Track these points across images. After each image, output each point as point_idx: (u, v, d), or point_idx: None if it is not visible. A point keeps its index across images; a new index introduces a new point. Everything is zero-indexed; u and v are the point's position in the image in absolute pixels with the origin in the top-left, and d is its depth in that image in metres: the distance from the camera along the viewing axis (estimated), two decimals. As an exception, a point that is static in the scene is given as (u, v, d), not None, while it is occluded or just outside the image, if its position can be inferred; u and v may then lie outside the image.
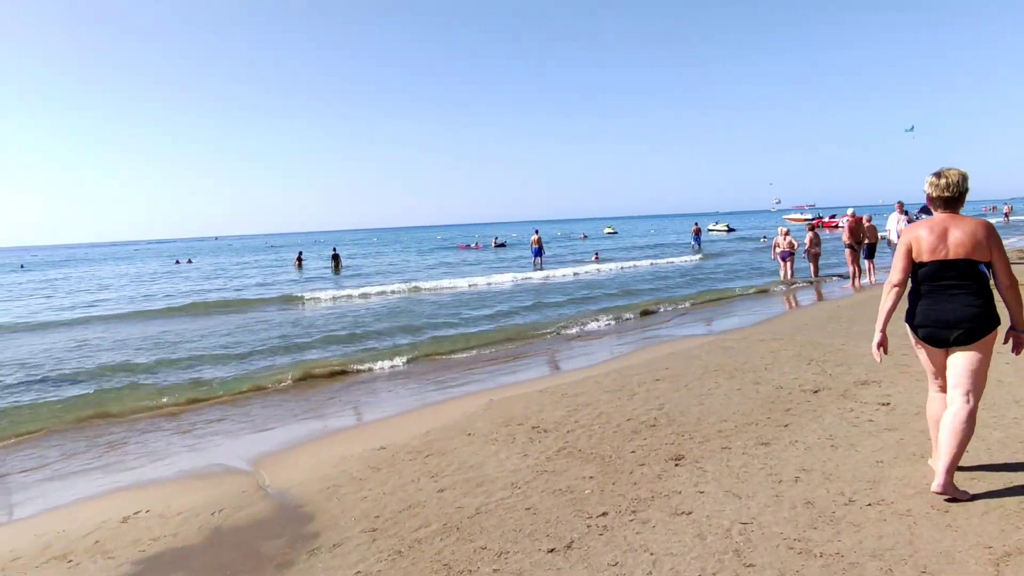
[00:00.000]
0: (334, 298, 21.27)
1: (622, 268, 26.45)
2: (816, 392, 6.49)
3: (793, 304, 14.93)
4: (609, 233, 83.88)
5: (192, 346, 13.08)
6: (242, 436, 7.04)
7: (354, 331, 13.90)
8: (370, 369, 10.06)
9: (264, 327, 15.41)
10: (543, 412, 6.49)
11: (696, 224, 44.43)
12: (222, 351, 12.26)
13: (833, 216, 66.93)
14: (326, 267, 39.89)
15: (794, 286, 18.50)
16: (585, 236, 76.44)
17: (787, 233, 20.97)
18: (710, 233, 73.54)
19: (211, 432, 7.28)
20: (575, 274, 23.56)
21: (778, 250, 21.09)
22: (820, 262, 20.78)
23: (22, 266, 67.24)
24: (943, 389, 3.96)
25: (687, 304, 15.68)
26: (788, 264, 21.05)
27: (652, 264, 30.74)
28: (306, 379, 9.53)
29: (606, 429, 5.77)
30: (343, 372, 9.89)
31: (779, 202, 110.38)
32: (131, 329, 16.38)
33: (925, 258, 3.78)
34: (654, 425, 5.80)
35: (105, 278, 40.42)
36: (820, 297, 15.81)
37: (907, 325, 3.98)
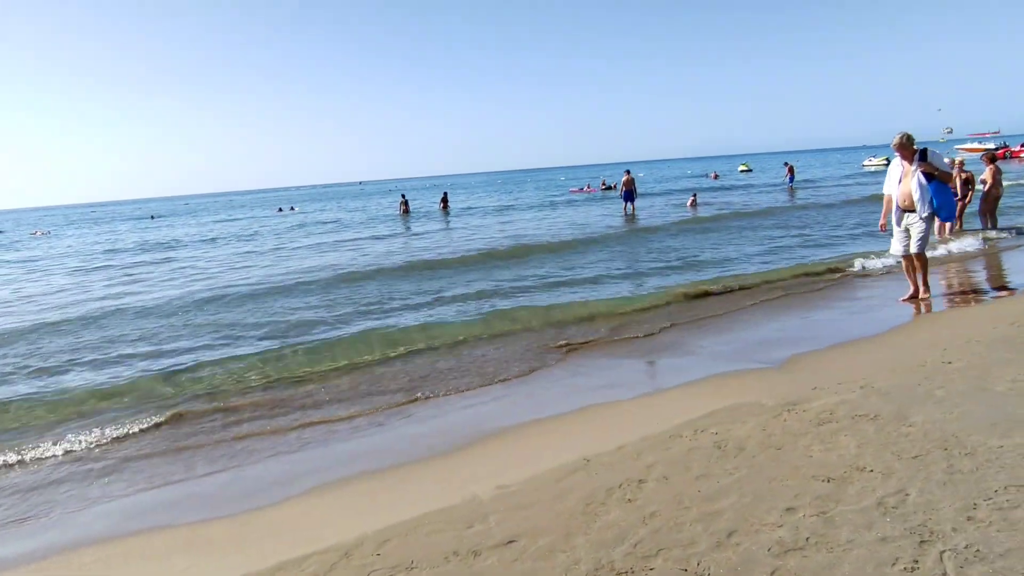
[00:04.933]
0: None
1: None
2: None
3: (970, 286, 8.98)
4: (744, 171, 74.83)
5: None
6: None
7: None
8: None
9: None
10: None
11: (788, 163, 43.01)
12: None
13: (1025, 144, 54.17)
14: (432, 209, 37.83)
15: (956, 245, 11.99)
16: (716, 175, 68.30)
17: (958, 164, 14.32)
18: (864, 168, 63.24)
19: None
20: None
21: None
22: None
23: (152, 217, 69.77)
24: None
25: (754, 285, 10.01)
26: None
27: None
28: None
29: None
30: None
31: (951, 131, 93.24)
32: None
33: None
34: None
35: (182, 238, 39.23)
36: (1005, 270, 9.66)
37: None
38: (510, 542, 3.03)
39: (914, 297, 7.81)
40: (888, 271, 10.14)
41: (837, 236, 15.37)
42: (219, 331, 9.32)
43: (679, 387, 5.35)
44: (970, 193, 14.30)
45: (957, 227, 14.39)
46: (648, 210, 28.12)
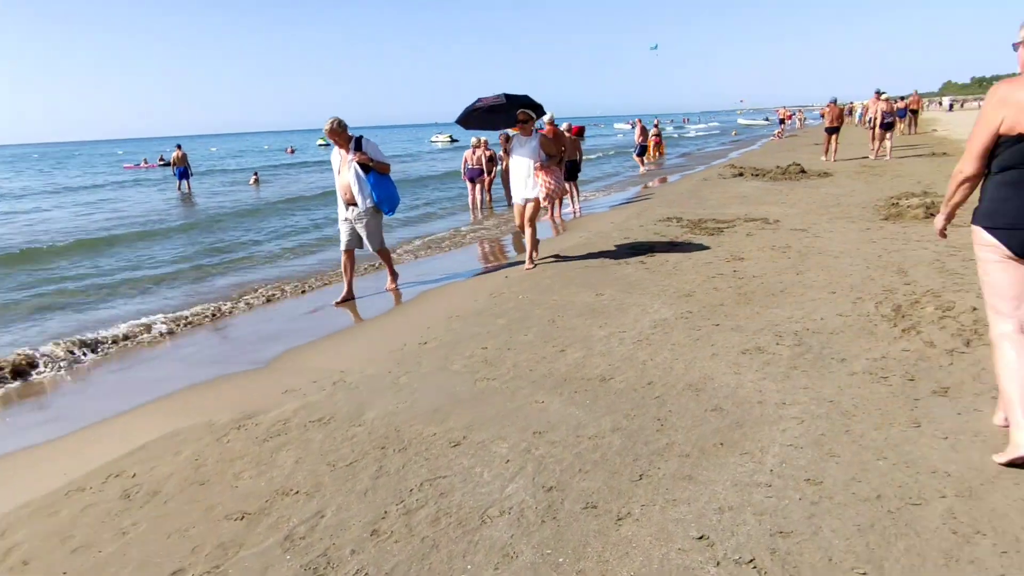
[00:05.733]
0: None
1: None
2: None
3: (492, 260, 9.71)
4: (321, 145, 75.43)
5: None
6: None
7: None
8: None
9: None
10: None
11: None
12: None
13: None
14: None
15: (481, 223, 13.30)
16: (293, 150, 67.83)
17: (481, 145, 15.90)
18: (433, 144, 68.68)
19: None
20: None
21: (467, 167, 16.11)
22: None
23: None
24: None
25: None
26: (478, 188, 16.15)
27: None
28: None
29: None
30: None
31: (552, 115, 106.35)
32: None
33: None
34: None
35: None
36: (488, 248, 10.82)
37: (982, 231, 2.80)
38: None
39: (347, 300, 7.22)
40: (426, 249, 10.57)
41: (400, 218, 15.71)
42: None
43: (134, 409, 4.44)
44: (495, 169, 16.04)
45: (481, 202, 16.14)
46: (208, 189, 25.95)
